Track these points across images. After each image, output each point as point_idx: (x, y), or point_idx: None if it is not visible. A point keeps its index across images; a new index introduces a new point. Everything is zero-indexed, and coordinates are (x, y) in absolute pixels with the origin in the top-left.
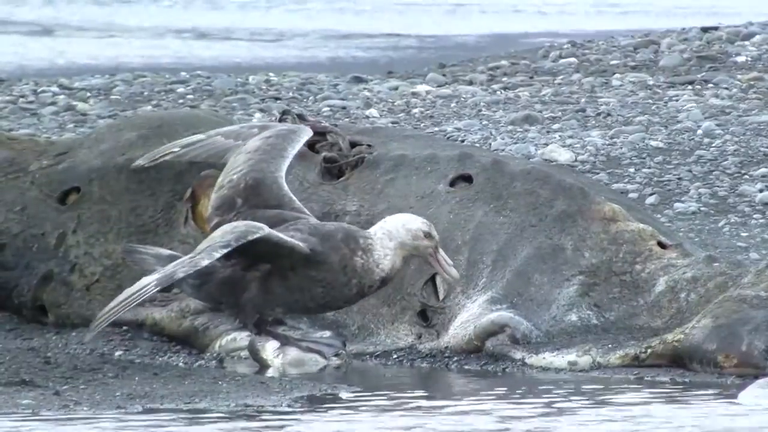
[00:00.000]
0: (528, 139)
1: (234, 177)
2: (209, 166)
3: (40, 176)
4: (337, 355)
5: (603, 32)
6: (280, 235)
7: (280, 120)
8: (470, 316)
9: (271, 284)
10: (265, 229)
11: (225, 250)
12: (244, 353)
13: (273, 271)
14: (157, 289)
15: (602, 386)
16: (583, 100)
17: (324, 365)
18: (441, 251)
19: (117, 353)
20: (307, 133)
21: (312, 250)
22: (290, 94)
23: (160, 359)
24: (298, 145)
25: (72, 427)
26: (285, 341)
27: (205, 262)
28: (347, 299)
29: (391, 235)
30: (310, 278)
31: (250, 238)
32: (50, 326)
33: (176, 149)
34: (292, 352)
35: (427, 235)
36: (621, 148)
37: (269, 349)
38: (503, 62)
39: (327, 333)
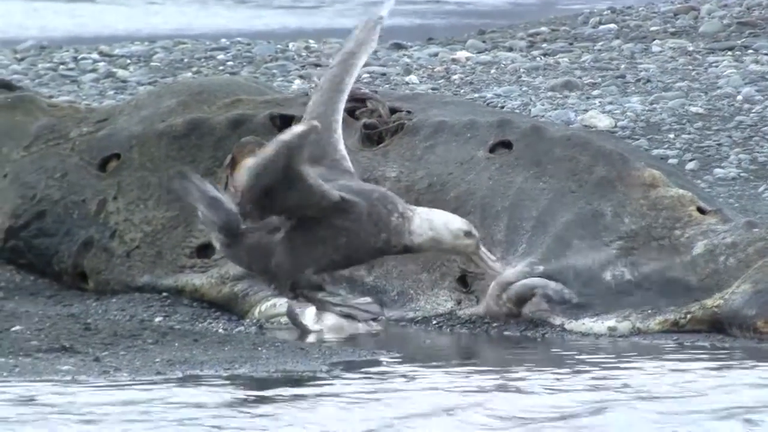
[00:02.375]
0: (567, 105)
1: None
2: (250, 132)
3: (80, 143)
4: (375, 320)
5: None
6: (317, 179)
7: None
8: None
9: (295, 241)
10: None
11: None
12: (284, 319)
13: (297, 225)
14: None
15: (643, 352)
16: (622, 66)
17: (364, 331)
18: (482, 248)
19: (157, 319)
20: (368, 47)
21: (342, 198)
22: (330, 60)
23: (200, 325)
24: (357, 68)
25: (112, 392)
26: (321, 306)
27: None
28: (369, 252)
29: (432, 225)
30: (333, 227)
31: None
32: (90, 293)
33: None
34: (331, 318)
35: (468, 234)
36: (661, 114)
37: (308, 315)
38: (543, 28)
39: (367, 299)
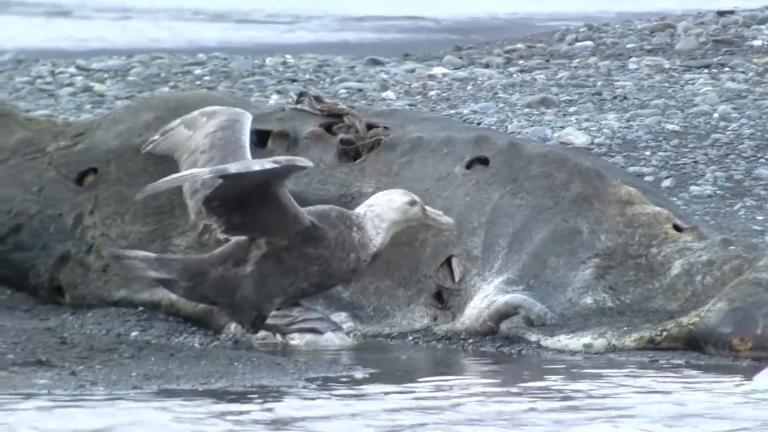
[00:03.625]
0: (544, 121)
1: (206, 177)
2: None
3: (57, 157)
4: (349, 334)
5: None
6: (291, 199)
7: (297, 102)
8: (486, 297)
9: (265, 271)
10: (310, 163)
11: (275, 165)
12: (260, 334)
13: (267, 254)
14: (210, 176)
15: (617, 369)
16: (599, 83)
17: (339, 342)
18: (428, 208)
19: (133, 333)
20: (248, 118)
21: (312, 224)
22: (307, 76)
23: (176, 340)
24: (247, 131)
25: (88, 407)
26: (276, 330)
27: (257, 167)
28: (342, 276)
29: (381, 216)
30: (305, 256)
31: (298, 164)
32: (67, 307)
33: (156, 137)
34: (307, 334)
35: (412, 203)
36: (637, 131)
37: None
38: (519, 45)
39: (342, 314)
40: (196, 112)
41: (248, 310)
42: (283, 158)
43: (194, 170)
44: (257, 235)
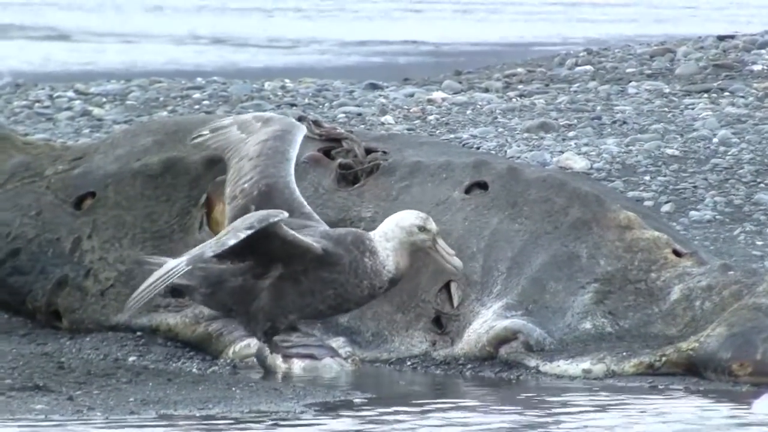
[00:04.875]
0: (543, 146)
1: (246, 186)
2: (224, 171)
3: (55, 181)
4: (347, 359)
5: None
6: (295, 233)
7: None
8: (484, 323)
9: (283, 290)
10: (284, 214)
11: (250, 231)
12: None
13: (285, 275)
14: (188, 268)
15: (616, 394)
16: (598, 107)
17: (337, 368)
18: (440, 242)
19: (131, 358)
20: (301, 131)
21: (325, 251)
22: (306, 100)
23: (174, 365)
24: (297, 144)
25: None
26: (276, 350)
27: (232, 242)
28: (358, 300)
29: (387, 235)
30: (321, 280)
31: (272, 220)
32: (64, 331)
33: (206, 132)
34: (305, 360)
35: (422, 229)
36: (636, 155)
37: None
38: (519, 69)
39: (341, 339)
40: (249, 116)
41: (262, 320)
42: (256, 219)
43: (168, 264)
44: (278, 264)
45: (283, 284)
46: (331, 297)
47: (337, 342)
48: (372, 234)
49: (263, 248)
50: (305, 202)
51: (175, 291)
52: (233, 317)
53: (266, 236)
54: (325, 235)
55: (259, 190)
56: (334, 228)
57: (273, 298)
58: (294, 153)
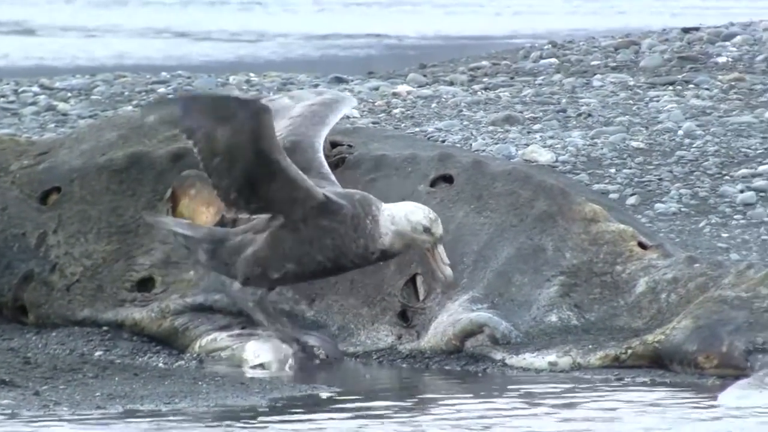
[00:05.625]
0: (509, 139)
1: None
2: (190, 166)
3: (20, 176)
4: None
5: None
6: (298, 170)
7: None
8: (450, 316)
9: (282, 237)
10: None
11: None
12: (224, 353)
13: (284, 224)
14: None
15: (581, 387)
16: (563, 100)
17: (290, 364)
18: (440, 248)
19: (97, 353)
20: (350, 103)
21: (326, 197)
22: (271, 94)
23: (140, 359)
24: (340, 113)
25: (52, 427)
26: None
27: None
28: (354, 257)
29: (393, 219)
30: (321, 228)
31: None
32: (30, 326)
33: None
34: (270, 352)
35: (427, 230)
36: (602, 148)
37: (248, 349)
38: (484, 63)
39: (313, 334)
40: (306, 90)
41: (252, 264)
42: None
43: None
44: (278, 212)
45: (282, 232)
46: (328, 247)
47: (309, 338)
48: (383, 205)
49: (269, 192)
50: (326, 164)
51: (141, 285)
52: (231, 273)
53: (271, 172)
54: (332, 191)
55: (283, 144)
56: (346, 189)
57: (271, 246)
58: (333, 119)
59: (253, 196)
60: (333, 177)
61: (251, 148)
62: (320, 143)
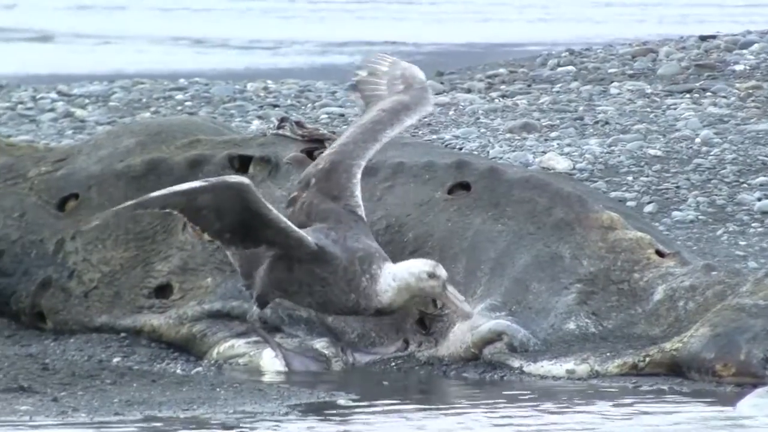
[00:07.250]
0: (526, 147)
1: (324, 153)
2: (208, 173)
3: (38, 182)
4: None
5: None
6: (289, 223)
7: (278, 127)
8: (468, 323)
9: (278, 269)
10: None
11: (203, 184)
12: (242, 360)
13: (282, 257)
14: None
15: (600, 394)
16: (581, 108)
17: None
18: (450, 288)
19: (115, 360)
20: (426, 107)
21: (319, 247)
22: (288, 101)
23: (158, 366)
24: (402, 126)
25: None
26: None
27: (181, 188)
28: (343, 309)
29: (395, 276)
30: (312, 274)
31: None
32: (48, 332)
33: (363, 73)
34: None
35: (432, 276)
36: (619, 156)
37: (266, 355)
38: (501, 70)
39: (324, 340)
40: (402, 69)
41: (259, 286)
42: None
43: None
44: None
45: (278, 264)
46: (318, 293)
47: (321, 343)
48: (387, 264)
49: (262, 237)
50: (357, 192)
51: (159, 291)
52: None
53: (261, 222)
54: (335, 239)
55: (324, 165)
56: (358, 238)
57: (267, 272)
58: (390, 134)
59: (249, 240)
60: (361, 210)
61: (238, 203)
62: (359, 167)
